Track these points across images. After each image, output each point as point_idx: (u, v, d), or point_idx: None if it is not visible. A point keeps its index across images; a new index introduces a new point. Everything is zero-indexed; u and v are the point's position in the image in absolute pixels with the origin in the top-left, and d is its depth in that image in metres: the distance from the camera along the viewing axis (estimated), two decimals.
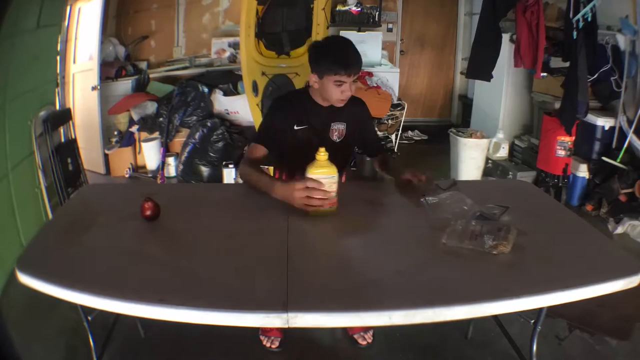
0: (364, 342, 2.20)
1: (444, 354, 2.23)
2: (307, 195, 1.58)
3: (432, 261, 1.41)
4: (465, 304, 1.23)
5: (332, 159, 1.95)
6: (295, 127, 1.91)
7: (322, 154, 1.60)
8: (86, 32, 4.32)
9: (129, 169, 4.46)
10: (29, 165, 2.94)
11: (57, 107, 3.53)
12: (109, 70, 4.58)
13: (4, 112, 2.59)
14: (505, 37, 4.20)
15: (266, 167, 2.20)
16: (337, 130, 1.96)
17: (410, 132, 5.72)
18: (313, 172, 1.59)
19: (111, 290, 1.24)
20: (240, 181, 1.89)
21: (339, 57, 1.78)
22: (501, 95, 4.57)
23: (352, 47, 1.82)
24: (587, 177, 3.71)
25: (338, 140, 1.98)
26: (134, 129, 4.44)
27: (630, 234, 3.27)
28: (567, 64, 3.63)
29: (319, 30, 3.91)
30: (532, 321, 1.71)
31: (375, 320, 1.25)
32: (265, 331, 2.19)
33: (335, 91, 1.81)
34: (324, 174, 1.59)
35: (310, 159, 1.62)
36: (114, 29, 5.07)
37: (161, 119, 4.41)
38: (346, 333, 2.27)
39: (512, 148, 4.53)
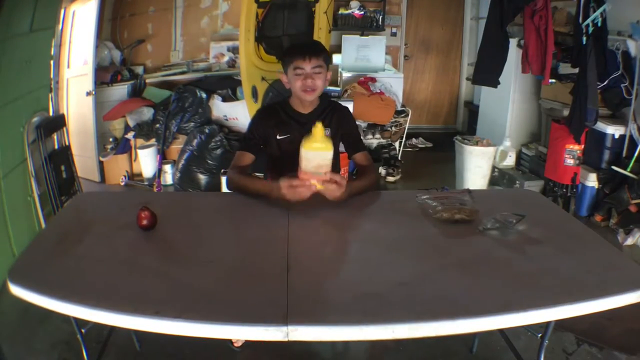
0: None
1: None
2: (293, 190, 1.66)
3: (436, 272, 1.41)
4: (471, 317, 1.22)
5: None
6: (278, 137, 1.99)
7: (318, 128, 1.60)
8: (81, 36, 4.34)
9: (125, 176, 4.45)
10: (22, 173, 2.93)
11: (51, 113, 3.54)
12: (104, 75, 4.59)
13: None
14: (513, 42, 4.17)
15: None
16: None
17: (414, 140, 5.72)
18: (307, 147, 1.60)
19: (106, 302, 1.24)
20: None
21: (293, 46, 2.05)
22: (508, 102, 4.55)
23: (309, 39, 1.99)
24: (596, 186, 3.69)
25: None
26: (130, 135, 4.44)
27: None
28: (577, 70, 3.60)
29: (321, 34, 3.88)
30: (539, 335, 1.70)
31: (378, 333, 1.23)
32: None
33: (298, 81, 1.89)
34: (317, 150, 1.60)
35: (294, 168, 1.65)
36: (109, 32, 5.13)
37: (158, 125, 4.41)
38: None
39: (519, 156, 4.51)
